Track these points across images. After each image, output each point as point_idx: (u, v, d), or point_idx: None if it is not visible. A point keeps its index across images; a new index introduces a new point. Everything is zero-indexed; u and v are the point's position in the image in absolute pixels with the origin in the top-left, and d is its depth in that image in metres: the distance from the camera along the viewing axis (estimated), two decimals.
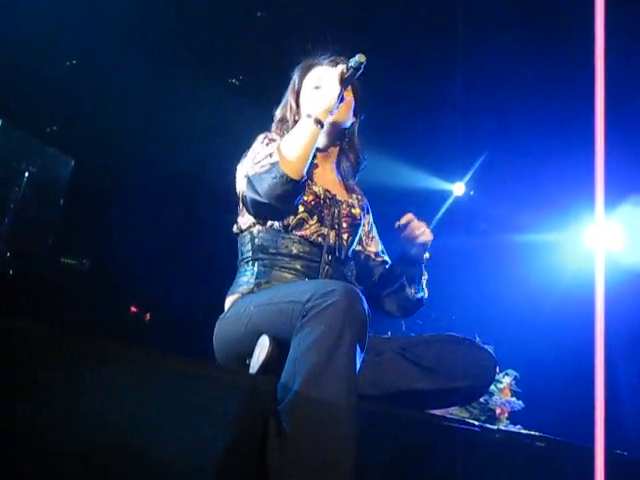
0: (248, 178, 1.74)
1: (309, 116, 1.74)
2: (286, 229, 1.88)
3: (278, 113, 2.10)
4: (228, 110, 4.25)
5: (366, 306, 1.47)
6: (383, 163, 4.65)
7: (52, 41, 3.95)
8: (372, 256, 2.13)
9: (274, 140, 1.90)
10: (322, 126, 1.75)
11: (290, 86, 2.09)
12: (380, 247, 2.17)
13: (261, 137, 1.95)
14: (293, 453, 1.30)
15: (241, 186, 1.87)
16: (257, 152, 1.82)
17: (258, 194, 1.69)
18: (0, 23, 3.78)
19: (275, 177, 1.66)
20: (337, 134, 2.05)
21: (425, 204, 5.38)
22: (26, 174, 3.94)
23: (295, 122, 1.99)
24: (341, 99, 1.82)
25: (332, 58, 2.03)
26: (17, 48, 3.91)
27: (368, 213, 2.18)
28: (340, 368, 1.36)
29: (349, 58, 1.87)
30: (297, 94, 2.06)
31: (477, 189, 5.45)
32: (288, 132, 1.94)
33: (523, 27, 4.02)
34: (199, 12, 4.11)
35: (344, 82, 1.79)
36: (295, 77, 2.08)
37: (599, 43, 0.94)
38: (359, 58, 1.76)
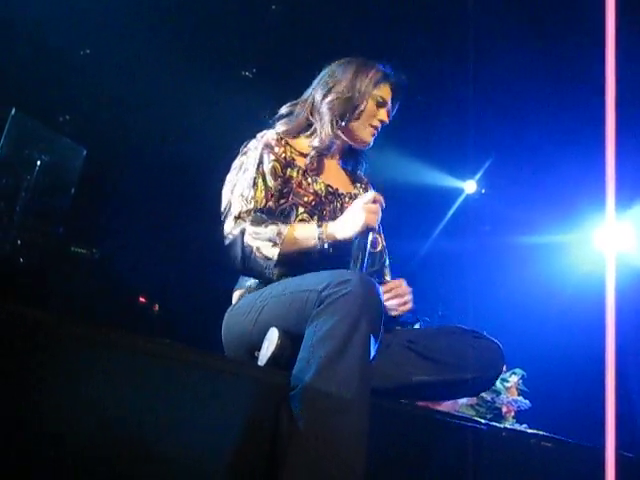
0: (243, 245, 1.75)
1: (322, 240, 1.72)
2: None
3: (287, 109, 2.03)
4: (241, 102, 4.25)
5: (381, 296, 1.48)
6: (396, 161, 4.65)
7: (66, 31, 3.96)
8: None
9: (274, 162, 1.87)
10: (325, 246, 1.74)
11: (329, 78, 1.98)
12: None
13: (257, 150, 1.90)
14: (302, 444, 1.30)
15: (226, 197, 1.92)
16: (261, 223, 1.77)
17: (242, 265, 1.76)
18: (14, 14, 3.79)
19: (263, 272, 1.74)
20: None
21: (437, 201, 5.38)
22: (38, 163, 3.97)
23: (307, 119, 1.98)
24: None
25: (394, 78, 2.03)
26: (30, 38, 3.92)
27: None
28: (354, 357, 1.36)
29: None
30: (347, 88, 1.95)
31: (488, 190, 5.43)
32: (292, 130, 1.96)
33: (534, 28, 4.00)
34: (213, 4, 4.11)
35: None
36: (348, 71, 1.97)
37: (610, 43, 0.93)
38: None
